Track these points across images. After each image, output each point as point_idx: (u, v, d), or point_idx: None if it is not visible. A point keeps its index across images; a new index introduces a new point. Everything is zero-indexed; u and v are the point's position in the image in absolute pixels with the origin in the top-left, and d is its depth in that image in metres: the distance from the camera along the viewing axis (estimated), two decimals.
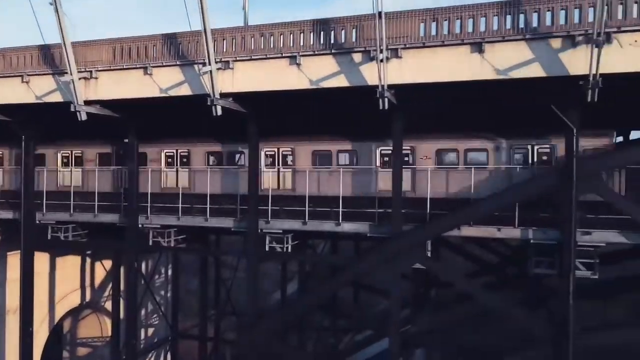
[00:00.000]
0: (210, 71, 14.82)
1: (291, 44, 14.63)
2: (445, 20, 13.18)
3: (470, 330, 19.31)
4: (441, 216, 15.45)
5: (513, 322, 15.67)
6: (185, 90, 15.86)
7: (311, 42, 14.43)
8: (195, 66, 15.50)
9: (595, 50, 11.67)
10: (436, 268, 18.16)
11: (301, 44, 14.50)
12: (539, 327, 14.82)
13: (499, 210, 14.97)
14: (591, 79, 11.98)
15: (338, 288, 20.58)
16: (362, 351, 23.77)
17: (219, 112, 15.19)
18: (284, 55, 14.72)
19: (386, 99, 13.59)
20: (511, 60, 12.79)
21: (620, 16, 12.09)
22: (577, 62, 12.31)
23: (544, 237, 14.76)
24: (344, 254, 26.84)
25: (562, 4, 12.47)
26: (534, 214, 15.03)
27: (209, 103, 15.05)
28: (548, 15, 12.48)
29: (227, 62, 15.30)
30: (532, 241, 14.93)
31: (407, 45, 13.46)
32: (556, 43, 12.52)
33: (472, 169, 16.13)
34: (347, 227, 16.66)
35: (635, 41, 12.02)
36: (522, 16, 12.66)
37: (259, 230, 17.28)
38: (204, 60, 14.87)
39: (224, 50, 15.36)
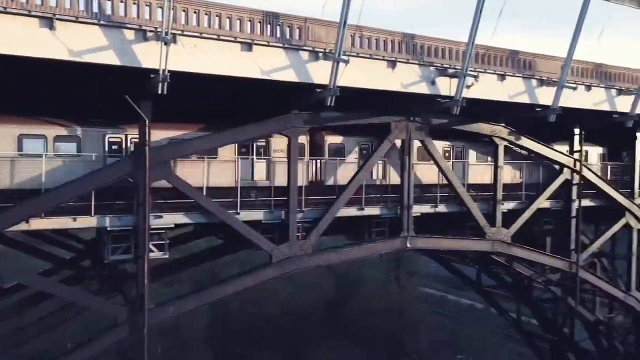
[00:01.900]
0: None
1: None
2: None
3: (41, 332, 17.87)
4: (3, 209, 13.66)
5: (93, 311, 15.48)
6: None
7: None
8: None
9: (164, 47, 12.87)
10: None
11: None
12: (115, 310, 15.17)
13: (74, 199, 14.46)
14: (161, 73, 13.14)
15: None
16: None
17: None
18: None
19: None
20: (86, 43, 12.58)
21: (183, 21, 13.74)
22: (149, 56, 13.23)
23: (119, 223, 15.16)
24: None
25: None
26: (110, 201, 15.25)
27: None
28: (122, 5, 12.92)
29: None
30: (108, 228, 15.11)
31: None
32: (130, 34, 13.10)
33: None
34: None
35: (195, 45, 13.93)
36: (95, 1, 12.63)
37: None
38: None
39: None
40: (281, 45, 15.16)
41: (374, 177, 19.89)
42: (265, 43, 14.90)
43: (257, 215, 17.21)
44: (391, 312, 41.92)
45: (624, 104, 21.32)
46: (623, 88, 21.17)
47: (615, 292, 24.65)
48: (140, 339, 14.78)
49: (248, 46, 14.66)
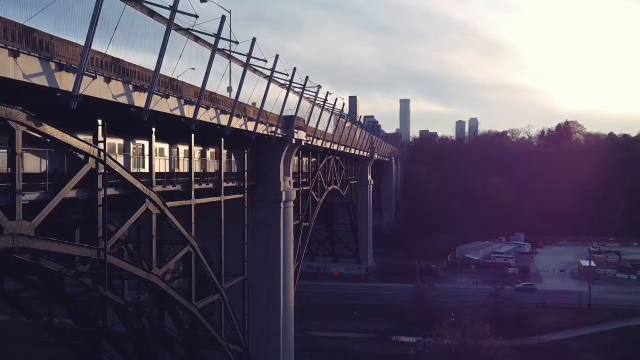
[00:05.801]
0: None
1: None
2: None
3: None
4: None
5: None
6: None
7: None
8: None
9: None
10: None
11: None
12: None
13: None
14: None
15: None
16: None
17: None
18: None
19: None
20: None
21: None
22: None
23: None
24: None
25: None
26: None
27: None
28: None
29: None
30: None
31: None
32: None
33: None
34: None
35: None
36: None
37: None
38: None
39: None
40: None
41: None
42: None
43: None
44: None
45: (140, 99, 23.54)
46: (138, 84, 23.33)
47: (140, 272, 27.00)
48: None
49: None
